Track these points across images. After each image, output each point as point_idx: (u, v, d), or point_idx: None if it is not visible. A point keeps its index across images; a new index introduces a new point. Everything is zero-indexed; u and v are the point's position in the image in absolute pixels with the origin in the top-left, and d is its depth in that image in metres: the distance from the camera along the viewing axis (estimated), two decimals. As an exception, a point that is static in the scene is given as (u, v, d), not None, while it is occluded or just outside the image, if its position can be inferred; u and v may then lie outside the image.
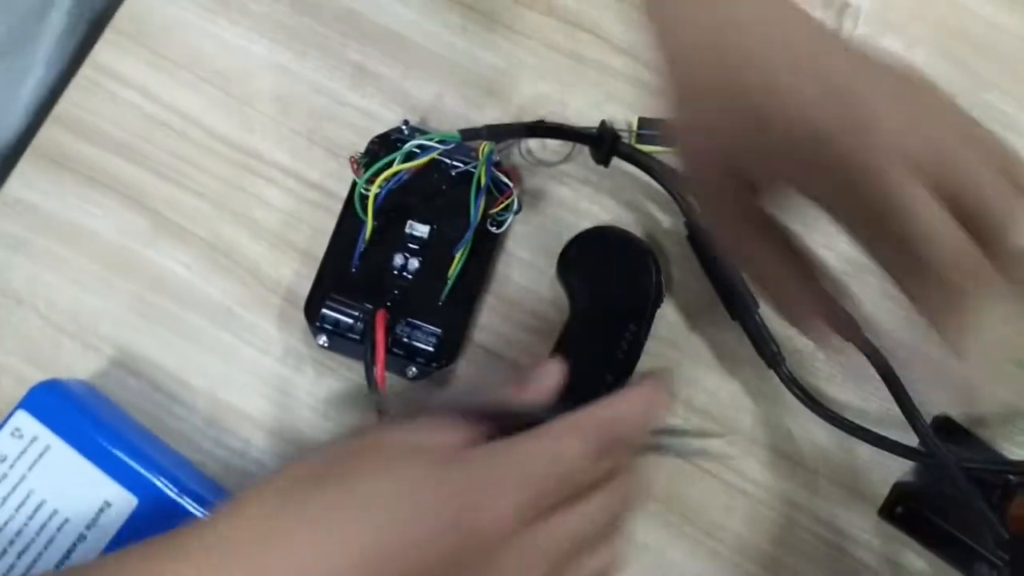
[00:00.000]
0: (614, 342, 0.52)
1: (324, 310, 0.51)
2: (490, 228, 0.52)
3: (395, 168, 0.50)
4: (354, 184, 0.52)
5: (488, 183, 0.50)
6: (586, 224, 0.55)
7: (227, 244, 0.54)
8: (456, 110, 0.56)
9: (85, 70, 0.56)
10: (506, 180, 0.51)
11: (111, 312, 0.53)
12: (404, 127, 0.53)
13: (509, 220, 0.52)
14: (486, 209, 0.51)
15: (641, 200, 0.56)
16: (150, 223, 0.54)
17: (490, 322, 0.54)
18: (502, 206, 0.51)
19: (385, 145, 0.52)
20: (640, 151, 0.54)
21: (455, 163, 0.52)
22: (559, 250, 0.54)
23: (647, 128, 0.57)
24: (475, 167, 0.51)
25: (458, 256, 0.51)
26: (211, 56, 0.56)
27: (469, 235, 0.50)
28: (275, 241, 0.54)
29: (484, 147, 0.50)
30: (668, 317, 0.54)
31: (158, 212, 0.54)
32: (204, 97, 0.56)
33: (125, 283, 0.53)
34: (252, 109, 0.56)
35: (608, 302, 0.52)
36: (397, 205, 0.52)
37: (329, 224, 0.53)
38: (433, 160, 0.51)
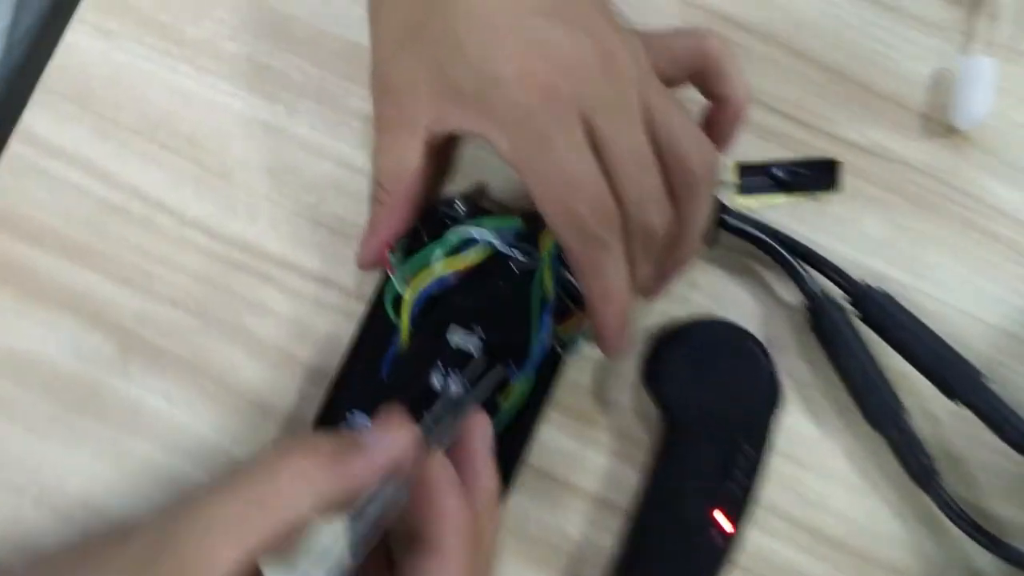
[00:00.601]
0: (724, 469, 0.40)
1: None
2: (556, 345, 0.39)
3: (438, 272, 0.38)
4: (385, 279, 0.40)
5: (557, 290, 0.38)
6: (677, 312, 0.43)
7: (215, 366, 0.42)
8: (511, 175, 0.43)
9: (13, 145, 0.43)
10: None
11: (78, 465, 0.41)
12: (458, 203, 0.40)
13: (581, 344, 0.39)
14: (553, 319, 0.38)
15: (746, 277, 0.44)
16: (116, 345, 0.42)
17: (553, 441, 0.42)
18: (571, 324, 0.38)
19: (428, 224, 0.40)
20: (751, 220, 0.41)
21: (515, 253, 0.40)
22: (644, 348, 0.42)
23: (750, 175, 0.44)
24: (538, 261, 0.38)
25: (515, 388, 0.39)
26: (175, 116, 0.43)
27: (531, 368, 0.38)
28: (277, 357, 0.42)
29: (547, 241, 0.37)
30: (787, 423, 0.43)
31: (125, 329, 0.42)
32: (170, 171, 0.43)
33: (92, 425, 0.41)
34: (233, 184, 0.43)
35: (712, 416, 0.41)
36: (438, 305, 0.40)
37: (344, 331, 0.41)
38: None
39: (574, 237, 0.34)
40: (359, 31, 0.43)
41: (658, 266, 0.37)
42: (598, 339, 0.37)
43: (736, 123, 0.38)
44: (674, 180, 0.35)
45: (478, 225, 0.38)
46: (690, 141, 0.35)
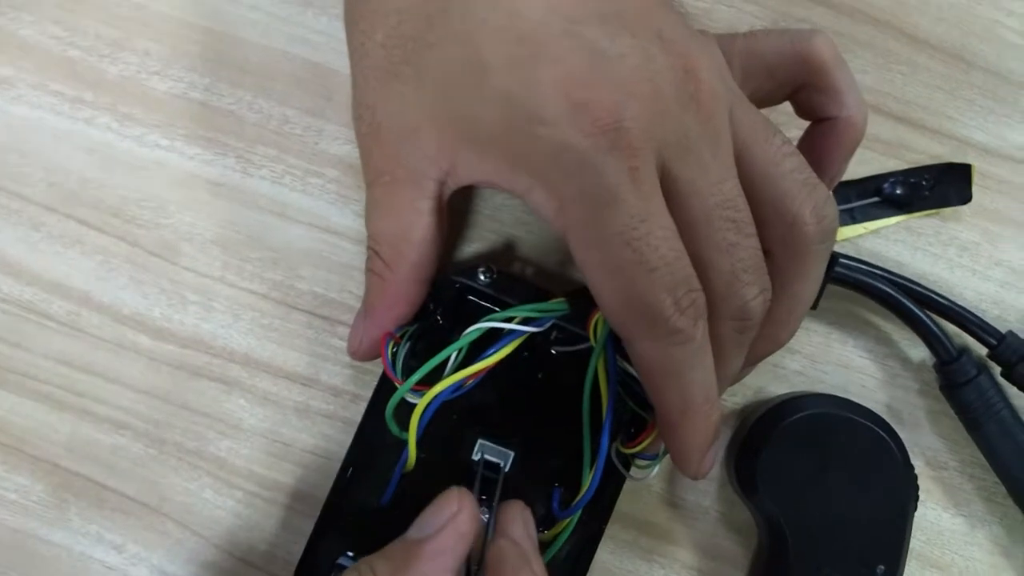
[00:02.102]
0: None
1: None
2: (616, 463, 0.29)
3: (458, 375, 0.28)
4: (383, 379, 0.30)
5: (615, 387, 0.28)
6: (769, 386, 0.33)
7: (175, 504, 0.32)
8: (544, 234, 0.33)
9: None
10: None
11: (10, 647, 0.32)
12: (483, 274, 0.30)
13: (655, 469, 0.29)
14: (612, 438, 0.28)
15: (856, 335, 0.34)
16: (47, 485, 0.33)
17: (616, 564, 0.33)
18: (642, 444, 0.28)
19: (442, 300, 0.30)
20: (863, 266, 0.31)
21: (556, 335, 0.30)
22: (731, 436, 0.33)
23: (851, 194, 0.34)
24: (590, 349, 0.28)
25: (565, 524, 0.29)
26: (96, 183, 0.33)
27: (588, 496, 0.28)
28: (251, 485, 0.33)
29: (599, 321, 0.27)
30: (921, 517, 0.33)
31: (57, 465, 0.33)
32: (96, 256, 0.33)
33: (25, 592, 0.32)
34: (178, 265, 0.33)
35: (833, 526, 0.31)
36: (458, 408, 0.30)
37: (335, 444, 0.32)
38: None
39: (644, 332, 0.24)
40: (330, 50, 0.33)
41: (748, 352, 0.27)
42: (676, 460, 0.27)
43: (850, 152, 0.28)
44: (775, 240, 0.25)
45: (510, 315, 0.28)
46: (799, 186, 0.25)
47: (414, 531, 0.26)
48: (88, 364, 0.33)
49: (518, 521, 0.27)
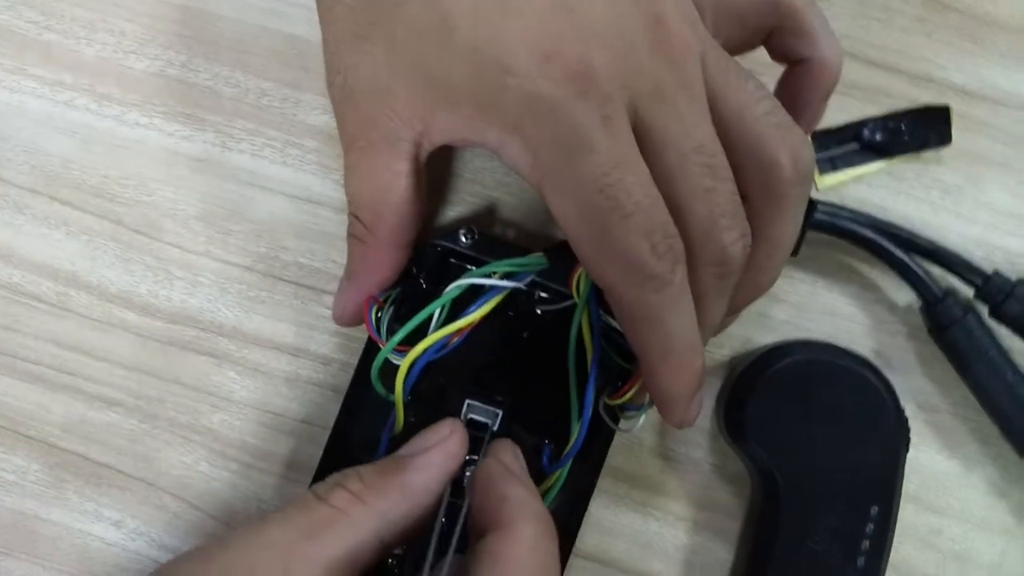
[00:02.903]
0: (850, 541, 0.30)
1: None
2: (604, 419, 0.29)
3: (441, 332, 0.28)
4: (369, 342, 0.30)
5: (600, 345, 0.28)
6: (757, 336, 0.33)
7: (171, 477, 0.33)
8: (515, 187, 0.33)
9: None
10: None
11: (15, 626, 0.32)
12: (465, 235, 0.30)
13: (641, 419, 0.29)
14: (598, 392, 0.28)
15: (841, 281, 0.34)
16: (44, 465, 0.33)
17: (609, 519, 0.33)
18: (627, 395, 0.28)
19: (425, 263, 0.30)
20: (846, 212, 0.31)
21: (539, 292, 0.30)
22: (719, 387, 0.33)
23: (830, 143, 0.34)
24: (573, 306, 0.28)
25: (556, 478, 0.29)
26: (78, 164, 0.33)
27: (571, 457, 0.28)
28: (245, 456, 0.33)
29: (584, 280, 0.27)
30: (915, 462, 0.33)
31: (52, 445, 0.33)
32: (81, 236, 0.33)
33: (28, 570, 0.33)
34: (162, 241, 0.33)
35: (825, 471, 0.31)
36: (445, 369, 0.30)
37: (326, 411, 0.32)
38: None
39: (622, 279, 0.24)
40: (305, 21, 0.33)
41: (730, 299, 0.27)
42: (660, 408, 0.27)
43: (826, 93, 0.28)
44: (752, 184, 0.25)
45: (489, 270, 0.28)
46: (773, 129, 0.25)
47: (405, 450, 0.26)
48: (78, 343, 0.33)
49: (507, 448, 0.27)
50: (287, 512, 0.23)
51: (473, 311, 0.28)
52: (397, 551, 0.29)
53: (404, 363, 0.28)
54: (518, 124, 0.24)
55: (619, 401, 0.28)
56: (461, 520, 0.24)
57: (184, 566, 0.23)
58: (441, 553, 0.23)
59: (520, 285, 0.28)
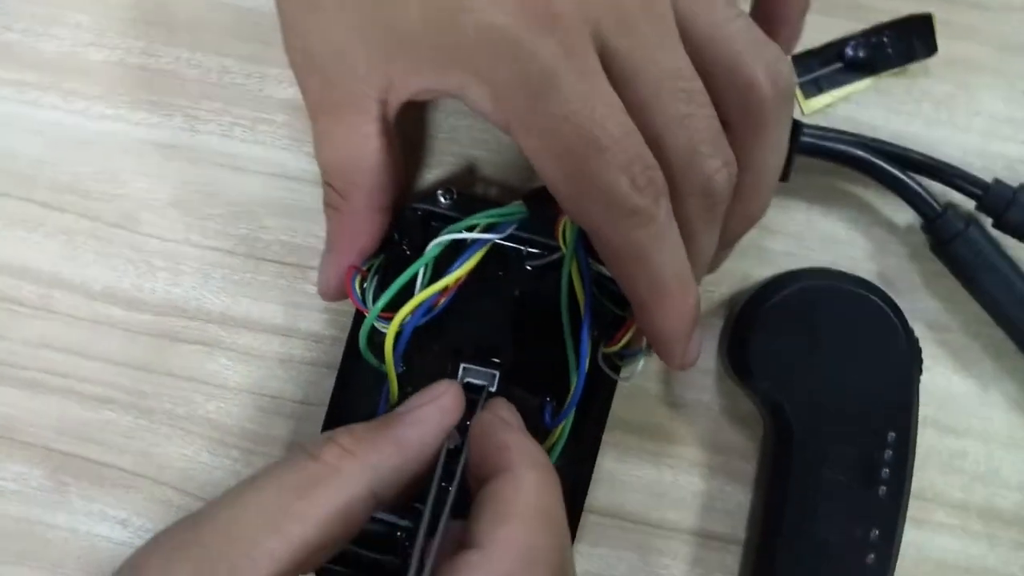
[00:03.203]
0: (868, 471, 0.30)
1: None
2: (604, 369, 0.29)
3: (426, 293, 0.27)
4: (358, 317, 0.30)
5: (590, 287, 0.27)
6: (755, 270, 0.32)
7: (173, 470, 0.32)
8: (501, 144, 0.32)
9: None
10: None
11: (30, 634, 0.32)
12: (443, 197, 0.29)
13: (640, 365, 0.29)
14: (594, 343, 0.28)
15: (836, 206, 0.33)
16: (44, 470, 0.32)
17: (621, 472, 0.32)
18: (622, 341, 0.27)
19: (406, 229, 0.30)
20: (834, 133, 0.30)
21: (528, 248, 0.29)
22: (721, 326, 0.32)
23: (813, 65, 0.32)
24: (560, 256, 0.27)
25: (559, 433, 0.28)
26: (49, 163, 0.33)
27: (571, 408, 0.27)
28: (246, 442, 0.32)
29: (568, 227, 0.27)
30: (930, 384, 0.32)
31: (50, 448, 0.32)
32: (59, 236, 0.33)
33: (38, 577, 0.32)
34: (140, 233, 0.33)
35: (838, 402, 0.30)
36: (438, 335, 0.29)
37: (323, 389, 0.31)
38: (487, 251, 0.28)
39: (604, 217, 0.23)
40: (258, -6, 0.33)
41: (721, 231, 0.26)
42: (658, 351, 0.26)
43: (802, 10, 0.27)
44: (731, 109, 0.24)
45: (468, 223, 0.27)
46: (750, 48, 0.24)
47: (400, 409, 0.26)
48: (66, 344, 0.32)
49: (502, 404, 0.27)
50: (277, 471, 0.23)
51: (457, 267, 0.27)
52: (406, 522, 0.29)
53: (391, 329, 0.27)
54: (477, 64, 0.23)
55: (615, 348, 0.27)
56: (459, 474, 0.23)
57: (177, 534, 0.22)
58: (438, 514, 0.23)
59: (501, 237, 0.27)
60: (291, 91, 0.32)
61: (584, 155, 0.23)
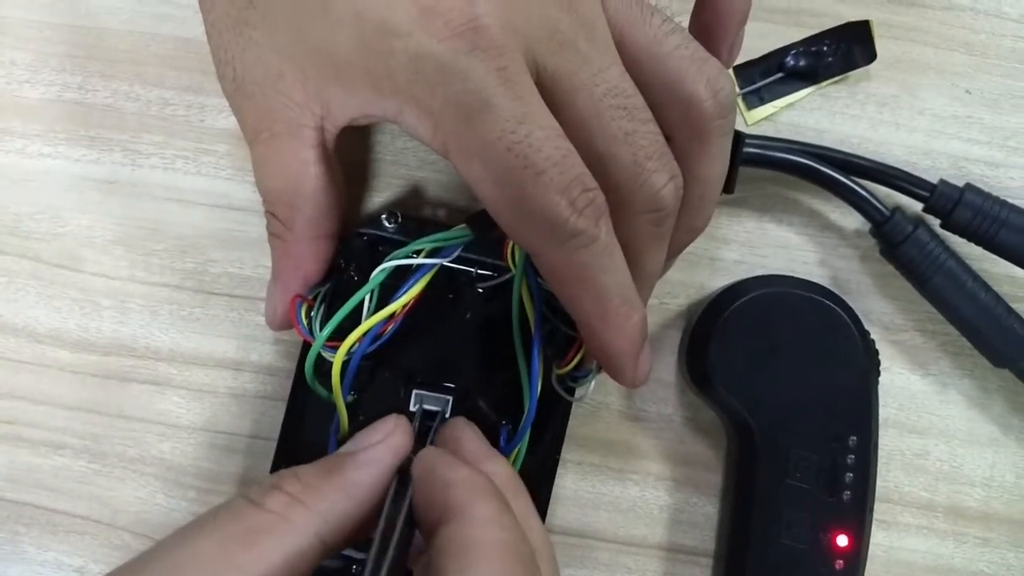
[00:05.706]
0: (831, 475, 0.30)
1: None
2: (557, 389, 0.28)
3: (372, 320, 0.27)
4: (305, 347, 0.29)
5: (540, 307, 0.27)
6: (708, 280, 0.32)
7: (128, 514, 0.31)
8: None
9: None
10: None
11: None
12: (388, 221, 0.29)
13: (591, 383, 0.28)
14: (547, 364, 0.27)
15: (785, 213, 0.33)
16: (-6, 521, 0.32)
17: (584, 491, 0.32)
18: (573, 362, 0.27)
19: (352, 255, 0.29)
20: (777, 143, 0.30)
21: (478, 270, 0.29)
22: (680, 338, 0.32)
23: (753, 75, 0.32)
24: (510, 277, 0.27)
25: (515, 456, 0.28)
26: (-15, 204, 0.32)
27: (525, 431, 0.27)
28: (201, 480, 0.31)
29: (515, 246, 0.26)
30: (889, 386, 0.32)
31: (2, 499, 0.31)
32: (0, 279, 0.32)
33: (-7, 632, 0.31)
34: (84, 272, 0.32)
35: (798, 408, 0.30)
36: (390, 362, 0.29)
37: (277, 421, 0.31)
38: (436, 273, 0.28)
39: (545, 240, 0.23)
40: (198, 22, 0.31)
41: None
42: (608, 370, 0.26)
43: (742, 17, 0.27)
44: (673, 123, 0.24)
45: (412, 249, 0.27)
46: (687, 62, 0.24)
47: (346, 447, 0.25)
48: (12, 389, 0.32)
49: (456, 425, 0.26)
50: (218, 519, 0.22)
51: (403, 293, 0.26)
52: (362, 555, 0.28)
53: (337, 358, 0.26)
54: (411, 90, 0.23)
55: (567, 369, 0.27)
56: (403, 514, 0.23)
57: None
58: (385, 551, 0.22)
59: (446, 261, 0.27)
60: (232, 120, 0.32)
61: (522, 179, 0.22)
